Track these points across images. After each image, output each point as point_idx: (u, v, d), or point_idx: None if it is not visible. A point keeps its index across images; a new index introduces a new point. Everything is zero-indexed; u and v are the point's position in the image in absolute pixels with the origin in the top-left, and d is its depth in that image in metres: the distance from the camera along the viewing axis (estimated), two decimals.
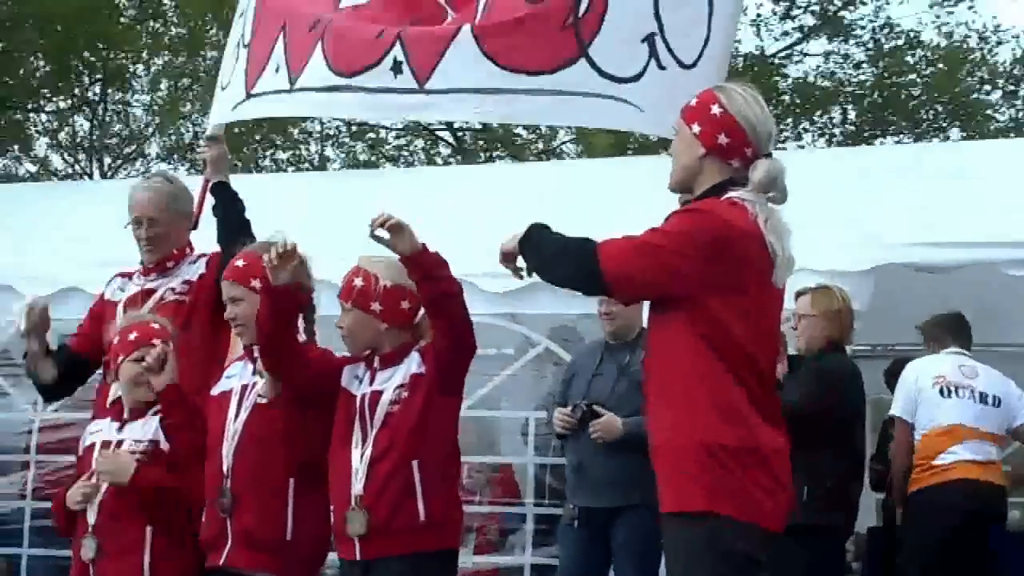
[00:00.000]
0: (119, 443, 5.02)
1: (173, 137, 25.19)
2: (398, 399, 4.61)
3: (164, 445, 4.99)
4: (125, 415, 5.09)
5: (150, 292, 5.58)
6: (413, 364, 4.64)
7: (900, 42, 23.64)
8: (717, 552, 3.88)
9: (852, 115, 24.19)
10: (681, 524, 3.93)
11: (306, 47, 5.23)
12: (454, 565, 4.77)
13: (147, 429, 5.03)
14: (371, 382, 4.70)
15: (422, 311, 4.72)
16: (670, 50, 4.76)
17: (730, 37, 5.05)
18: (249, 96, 5.54)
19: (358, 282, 4.70)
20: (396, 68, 4.90)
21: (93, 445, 5.11)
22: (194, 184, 6.01)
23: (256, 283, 4.81)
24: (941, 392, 6.98)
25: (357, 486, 4.59)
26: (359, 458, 4.61)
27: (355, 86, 5.07)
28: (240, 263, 4.95)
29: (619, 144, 19.40)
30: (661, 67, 4.76)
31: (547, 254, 4.13)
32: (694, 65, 4.78)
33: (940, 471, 6.88)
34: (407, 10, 5.05)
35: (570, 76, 4.72)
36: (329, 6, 5.34)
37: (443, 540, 4.66)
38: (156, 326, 5.14)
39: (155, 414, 5.05)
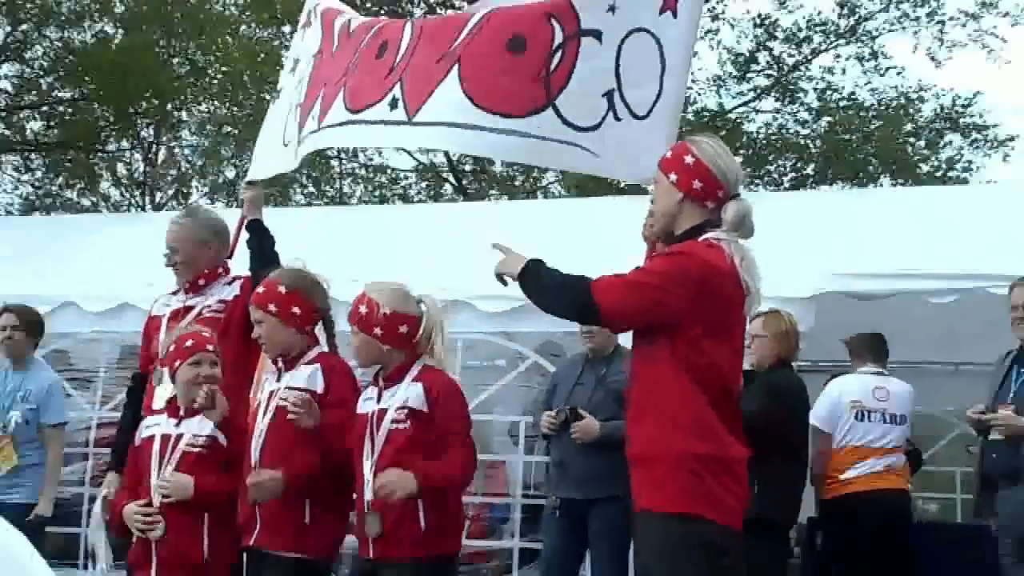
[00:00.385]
0: (178, 436, 5.00)
1: (216, 176, 25.18)
2: (399, 418, 4.62)
3: (222, 440, 5.01)
4: (181, 412, 5.07)
5: (189, 308, 5.65)
6: (412, 395, 4.63)
7: (843, 103, 23.69)
8: (692, 544, 3.90)
9: (798, 165, 24.27)
10: (658, 521, 3.95)
11: (334, 95, 5.26)
12: (453, 568, 4.78)
13: (204, 426, 5.02)
14: (378, 400, 4.71)
15: (421, 330, 4.74)
16: (625, 103, 4.74)
17: (681, 92, 5.02)
18: (299, 142, 5.57)
19: (362, 309, 4.71)
20: (393, 104, 4.89)
21: (152, 437, 5.08)
22: (232, 217, 6.04)
23: (272, 307, 4.91)
24: (857, 416, 7.14)
25: (368, 494, 4.60)
26: (369, 469, 4.62)
27: (359, 120, 5.07)
28: (261, 290, 5.03)
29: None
30: (617, 119, 4.73)
31: (547, 288, 4.13)
32: (646, 116, 4.76)
33: (845, 484, 7.08)
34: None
35: (537, 122, 4.68)
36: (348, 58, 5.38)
37: (441, 546, 4.65)
38: (207, 333, 5.16)
39: None
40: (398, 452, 4.57)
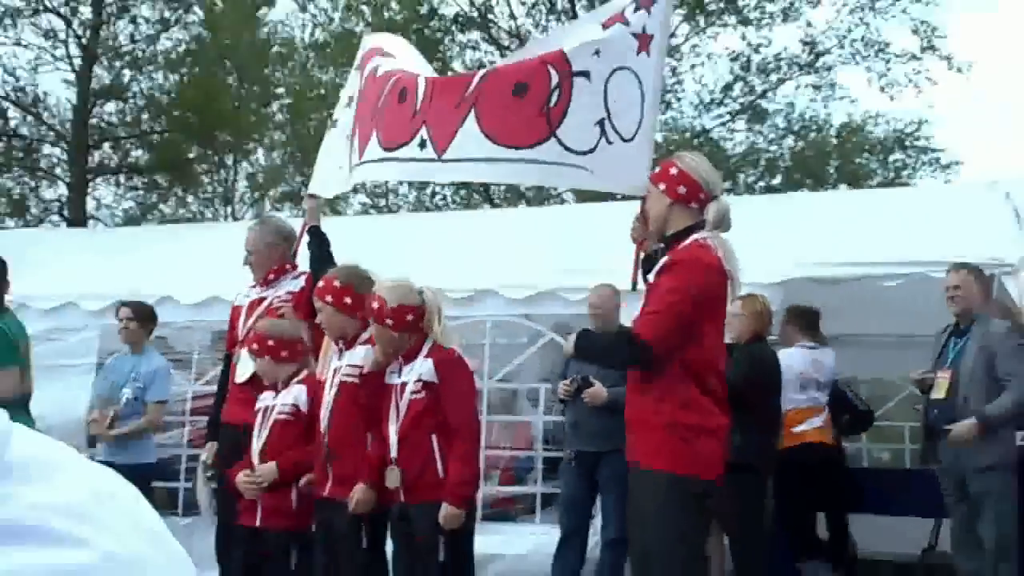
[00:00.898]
0: (273, 406, 5.22)
1: (288, 188, 25.25)
2: (416, 389, 4.65)
3: (304, 409, 5.15)
4: (279, 387, 5.26)
5: (263, 299, 5.76)
6: (425, 370, 4.66)
7: (805, 124, 23.49)
8: (682, 493, 4.03)
9: (767, 177, 24.10)
10: (653, 476, 4.07)
11: (369, 133, 5.32)
12: (471, 511, 4.79)
13: (288, 397, 5.19)
14: (400, 374, 4.74)
15: (425, 316, 4.76)
16: (615, 129, 4.81)
17: (655, 115, 5.13)
18: (351, 171, 5.64)
19: (375, 305, 4.74)
20: (422, 144, 4.96)
21: (260, 408, 5.29)
22: (298, 224, 6.11)
23: (329, 298, 4.99)
24: (801, 386, 7.26)
25: (392, 451, 4.66)
26: (394, 432, 4.67)
27: (394, 158, 5.13)
28: (321, 284, 5.11)
29: None
30: (609, 142, 4.80)
31: (600, 352, 4.30)
32: (632, 139, 4.85)
33: (796, 436, 7.20)
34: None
35: (543, 150, 4.77)
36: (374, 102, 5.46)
37: None
38: (259, 333, 5.32)
39: (299, 383, 5.22)
40: (416, 418, 4.63)
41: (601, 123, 4.79)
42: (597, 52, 4.81)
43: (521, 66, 4.97)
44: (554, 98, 4.75)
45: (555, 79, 4.77)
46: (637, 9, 4.90)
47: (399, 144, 5.08)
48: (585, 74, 4.78)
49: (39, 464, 0.76)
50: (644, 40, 4.84)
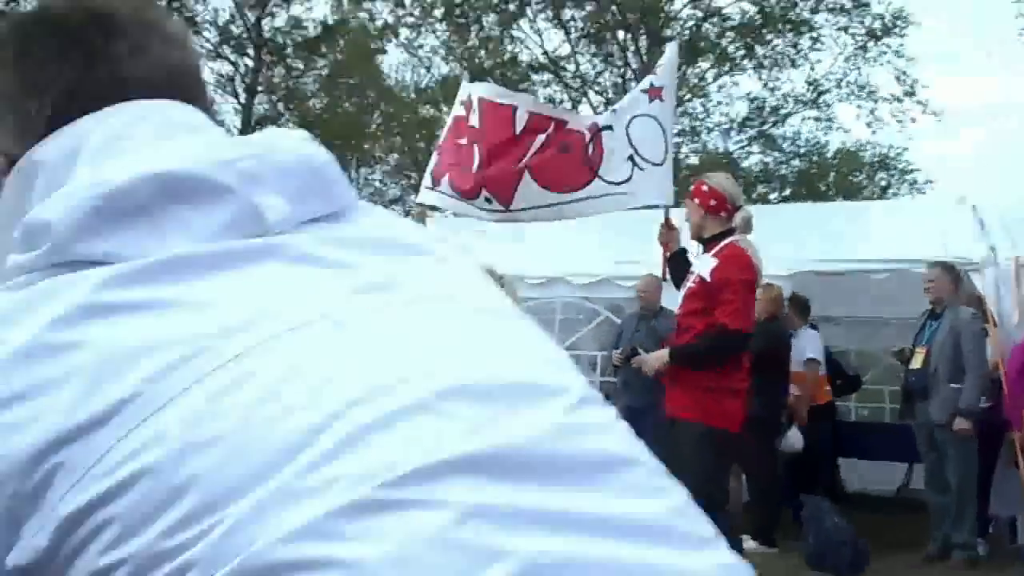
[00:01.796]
0: None
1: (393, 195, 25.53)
2: None
3: None
4: None
5: None
6: None
7: (807, 150, 23.02)
8: (713, 442, 4.07)
9: (778, 191, 23.69)
10: (692, 426, 4.08)
11: (441, 173, 5.41)
12: None
13: None
14: None
15: None
16: (643, 158, 4.92)
17: (671, 142, 5.19)
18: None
19: None
20: (488, 200, 5.12)
21: None
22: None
23: None
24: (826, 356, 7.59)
25: None
26: None
27: (471, 204, 5.24)
28: None
29: None
30: (641, 169, 4.92)
31: (705, 355, 4.10)
32: (662, 163, 4.95)
33: (827, 395, 7.53)
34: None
35: (591, 189, 4.96)
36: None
37: None
38: None
39: None
40: None
41: (631, 157, 4.92)
42: (614, 111, 5.09)
43: (561, 133, 5.14)
44: (590, 150, 4.96)
45: (587, 136, 4.99)
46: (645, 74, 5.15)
47: (465, 192, 5.17)
48: (609, 127, 4.98)
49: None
50: (654, 92, 4.97)
